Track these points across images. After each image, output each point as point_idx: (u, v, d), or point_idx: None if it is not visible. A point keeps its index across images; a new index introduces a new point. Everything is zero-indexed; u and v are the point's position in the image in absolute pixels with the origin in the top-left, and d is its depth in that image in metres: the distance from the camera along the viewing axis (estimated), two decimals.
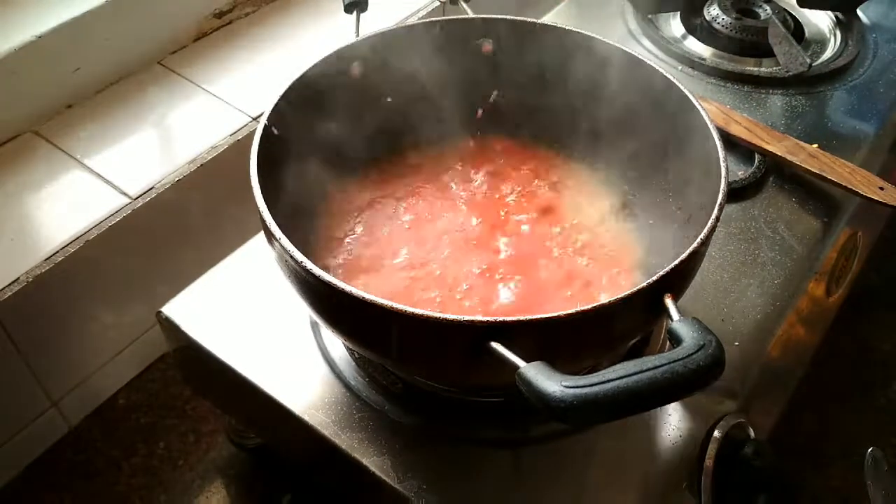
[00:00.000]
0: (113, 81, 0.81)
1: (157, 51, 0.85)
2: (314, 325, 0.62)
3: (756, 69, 0.91)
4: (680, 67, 0.90)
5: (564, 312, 0.42)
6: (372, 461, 0.54)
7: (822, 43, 0.97)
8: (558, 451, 0.56)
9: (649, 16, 0.97)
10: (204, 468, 0.73)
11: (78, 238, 0.67)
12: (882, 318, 0.97)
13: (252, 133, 0.54)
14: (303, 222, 0.61)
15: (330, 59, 0.60)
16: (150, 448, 0.74)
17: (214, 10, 0.88)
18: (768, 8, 0.96)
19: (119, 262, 0.70)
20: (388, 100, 0.66)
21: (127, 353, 0.76)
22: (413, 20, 0.85)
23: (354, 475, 0.55)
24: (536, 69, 0.66)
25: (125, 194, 0.71)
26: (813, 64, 0.90)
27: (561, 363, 0.39)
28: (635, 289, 0.44)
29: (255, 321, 0.62)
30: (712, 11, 0.96)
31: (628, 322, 0.47)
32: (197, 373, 0.67)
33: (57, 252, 0.66)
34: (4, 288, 0.63)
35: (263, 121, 0.54)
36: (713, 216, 0.48)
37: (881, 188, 0.72)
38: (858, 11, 0.99)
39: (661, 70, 0.60)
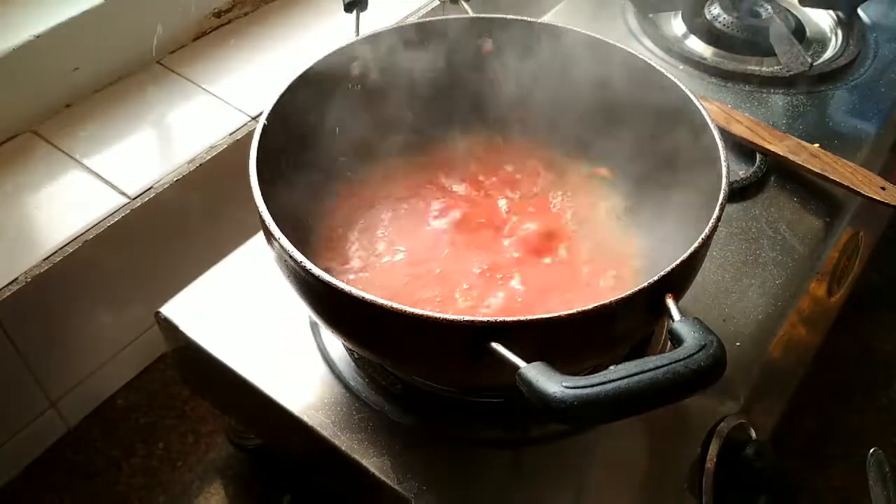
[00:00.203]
0: (112, 81, 0.81)
1: (156, 50, 0.84)
2: (314, 326, 0.62)
3: (757, 68, 0.90)
4: (681, 67, 0.90)
5: (565, 312, 0.42)
6: (371, 462, 0.54)
7: (823, 42, 0.97)
8: (559, 452, 0.56)
9: (650, 15, 0.97)
10: (203, 469, 0.73)
11: (77, 238, 0.67)
12: (883, 319, 0.97)
13: (251, 133, 0.54)
14: (302, 222, 0.60)
15: (330, 58, 0.60)
16: (149, 448, 0.74)
17: (213, 10, 0.88)
18: (769, 7, 0.95)
19: (118, 262, 0.70)
20: (388, 99, 0.66)
21: (126, 353, 0.76)
22: (413, 19, 0.84)
23: (354, 476, 0.55)
24: (536, 69, 0.66)
25: (124, 194, 0.71)
26: (814, 63, 0.90)
27: (561, 364, 0.39)
28: (636, 289, 0.43)
29: (254, 321, 0.62)
30: (713, 10, 0.95)
31: (629, 322, 0.47)
32: (196, 373, 0.67)
33: (56, 252, 0.66)
34: (3, 288, 0.63)
35: (263, 120, 0.54)
36: (714, 216, 0.48)
37: (883, 188, 0.71)
38: (859, 11, 0.99)
39: (661, 69, 0.59)
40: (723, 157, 0.52)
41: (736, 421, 0.58)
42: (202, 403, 0.77)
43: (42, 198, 0.70)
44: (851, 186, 0.72)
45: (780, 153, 0.75)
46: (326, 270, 0.45)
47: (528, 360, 0.39)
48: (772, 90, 0.87)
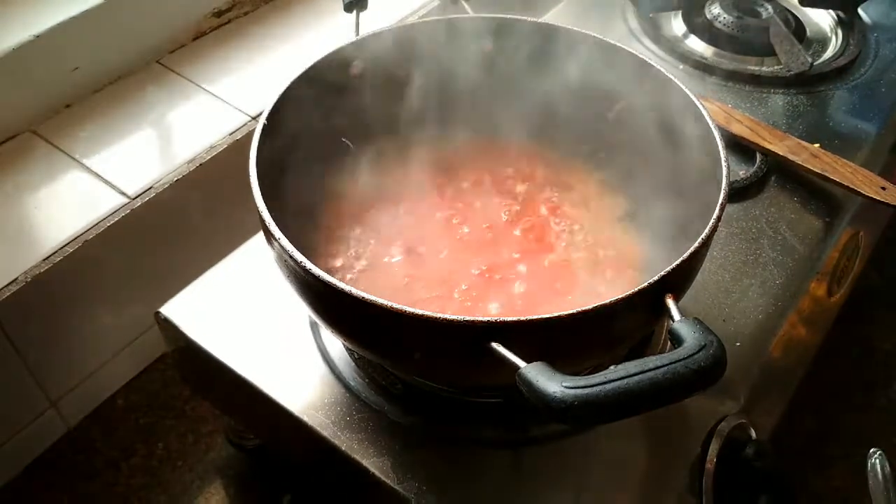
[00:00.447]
0: (112, 81, 0.81)
1: (156, 50, 0.84)
2: (314, 326, 0.62)
3: (757, 68, 0.90)
4: (681, 67, 0.90)
5: (565, 312, 0.42)
6: (371, 462, 0.54)
7: (823, 42, 0.97)
8: (559, 452, 0.56)
9: (650, 15, 0.97)
10: (203, 469, 0.73)
11: (76, 238, 0.67)
12: (883, 319, 0.97)
13: (251, 132, 0.53)
14: (302, 222, 0.60)
15: (330, 58, 0.60)
16: (149, 448, 0.74)
17: (213, 9, 0.88)
18: (770, 7, 0.95)
19: (118, 261, 0.70)
20: (388, 99, 0.66)
21: (126, 353, 0.76)
22: (413, 19, 0.84)
23: (354, 476, 0.55)
24: (536, 69, 0.66)
25: (124, 194, 0.71)
26: (814, 63, 0.90)
27: (561, 364, 0.39)
28: (636, 289, 0.43)
29: (254, 321, 0.62)
30: (714, 10, 0.95)
31: (629, 322, 0.47)
32: (196, 373, 0.67)
33: (55, 252, 0.66)
34: (3, 288, 0.63)
35: (263, 120, 0.54)
36: (714, 216, 0.48)
37: (883, 188, 0.71)
38: (859, 10, 0.99)
39: (662, 69, 0.59)
40: (723, 157, 0.52)
41: (736, 421, 0.58)
42: (202, 403, 0.77)
43: (42, 198, 0.70)
44: (851, 186, 0.72)
45: (781, 153, 0.75)
46: (326, 270, 0.45)
47: (528, 360, 0.39)
48: (772, 90, 0.87)
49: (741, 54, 0.92)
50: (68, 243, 0.66)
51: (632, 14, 0.97)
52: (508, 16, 0.65)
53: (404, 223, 0.63)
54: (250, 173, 0.50)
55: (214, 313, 0.62)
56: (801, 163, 0.74)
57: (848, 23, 0.97)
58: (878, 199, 0.71)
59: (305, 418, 0.56)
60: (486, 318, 0.42)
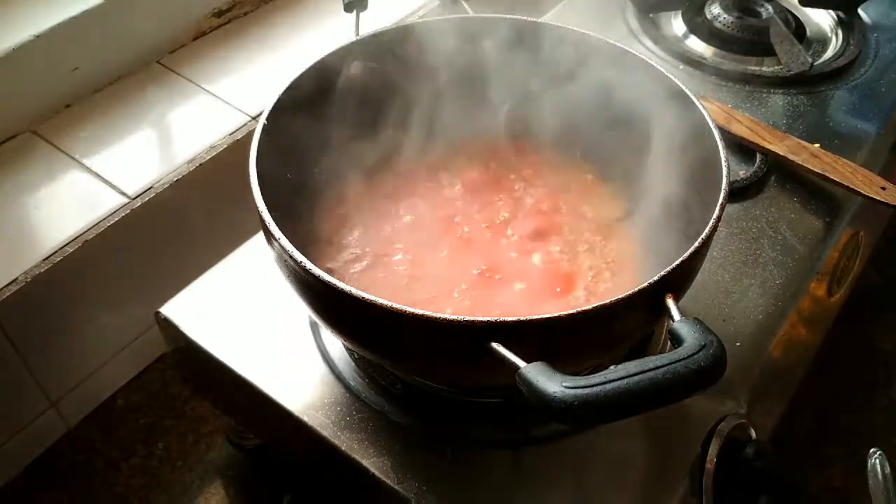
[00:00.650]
0: (112, 81, 0.81)
1: (156, 50, 0.84)
2: (313, 326, 0.62)
3: (757, 68, 0.90)
4: (681, 66, 0.90)
5: (565, 312, 0.42)
6: (372, 462, 0.53)
7: (823, 42, 0.97)
8: (559, 452, 0.56)
9: (650, 15, 0.97)
10: (203, 469, 0.73)
11: (76, 238, 0.67)
12: (883, 319, 0.97)
13: (251, 132, 0.53)
14: (302, 222, 0.60)
15: (330, 58, 0.60)
16: (149, 449, 0.74)
17: (213, 9, 0.88)
18: (770, 7, 0.95)
19: (118, 262, 0.70)
20: (388, 99, 0.66)
21: (126, 353, 0.76)
22: (413, 19, 0.84)
23: (354, 476, 0.55)
24: (536, 69, 0.66)
25: (124, 194, 0.71)
26: (814, 63, 0.90)
27: (561, 364, 0.39)
28: (636, 289, 0.43)
29: (254, 321, 0.62)
30: (714, 10, 0.95)
31: (629, 322, 0.47)
32: (196, 373, 0.67)
33: (55, 252, 0.66)
34: (3, 288, 0.63)
35: (263, 120, 0.54)
36: (714, 216, 0.48)
37: (883, 188, 0.71)
38: (860, 11, 0.99)
39: (662, 69, 0.59)
40: (723, 157, 0.52)
41: (736, 421, 0.58)
42: (202, 403, 0.77)
43: (42, 198, 0.70)
44: (851, 186, 0.72)
45: (781, 153, 0.75)
46: (326, 270, 0.45)
47: (528, 360, 0.39)
48: (772, 90, 0.87)
49: (741, 54, 0.92)
50: (68, 243, 0.66)
51: (632, 14, 0.97)
52: (508, 16, 0.65)
53: (404, 223, 0.63)
54: (250, 173, 0.50)
55: (214, 313, 0.62)
56: (801, 163, 0.74)
57: (848, 23, 0.97)
58: (878, 199, 0.71)
59: (305, 418, 0.56)
60: (485, 318, 0.42)
